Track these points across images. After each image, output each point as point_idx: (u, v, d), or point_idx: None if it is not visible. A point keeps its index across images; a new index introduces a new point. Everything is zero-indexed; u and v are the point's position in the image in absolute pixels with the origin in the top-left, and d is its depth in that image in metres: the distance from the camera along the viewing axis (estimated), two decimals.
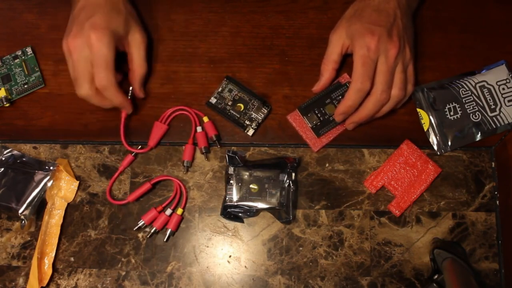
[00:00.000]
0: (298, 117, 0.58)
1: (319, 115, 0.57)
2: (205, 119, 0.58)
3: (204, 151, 0.57)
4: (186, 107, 0.59)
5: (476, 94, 0.58)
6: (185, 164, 0.57)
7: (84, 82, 0.52)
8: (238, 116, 0.58)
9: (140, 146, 0.58)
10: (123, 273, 0.56)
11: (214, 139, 0.57)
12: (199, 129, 0.58)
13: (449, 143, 0.58)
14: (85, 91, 0.52)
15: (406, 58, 0.54)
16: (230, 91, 0.59)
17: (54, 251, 0.55)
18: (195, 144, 0.58)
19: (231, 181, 0.56)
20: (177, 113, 0.59)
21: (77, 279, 0.56)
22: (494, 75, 0.58)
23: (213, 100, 0.59)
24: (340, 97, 0.57)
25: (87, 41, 0.51)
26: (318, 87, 0.57)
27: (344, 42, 0.55)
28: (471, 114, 0.58)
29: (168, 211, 0.56)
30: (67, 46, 0.52)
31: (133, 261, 0.56)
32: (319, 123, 0.57)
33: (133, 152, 0.57)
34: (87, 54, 0.51)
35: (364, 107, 0.53)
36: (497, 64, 0.59)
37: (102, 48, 0.51)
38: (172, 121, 0.59)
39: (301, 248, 0.56)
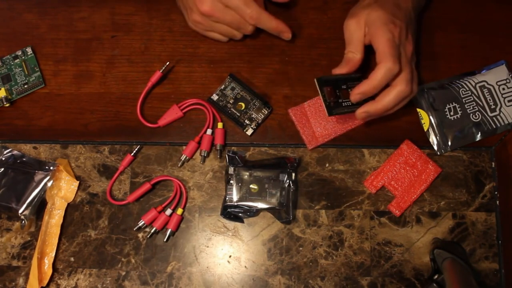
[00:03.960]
0: (299, 112, 0.58)
1: (334, 94, 0.53)
2: (220, 125, 0.58)
3: (203, 154, 0.57)
4: (208, 104, 0.59)
5: (476, 94, 0.58)
6: (182, 158, 0.57)
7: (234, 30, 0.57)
8: (239, 115, 0.58)
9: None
10: (123, 273, 0.56)
11: (218, 148, 0.57)
12: (209, 131, 0.58)
13: (449, 143, 0.58)
14: (241, 35, 0.58)
15: (415, 59, 0.54)
16: (232, 89, 0.59)
17: (54, 251, 0.55)
18: (199, 143, 0.58)
19: (231, 181, 0.56)
20: (196, 106, 0.59)
21: (77, 279, 0.56)
22: (494, 75, 0.58)
23: (214, 97, 0.59)
24: None
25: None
26: (341, 70, 0.54)
27: (364, 30, 0.53)
28: (471, 114, 0.58)
29: (168, 211, 0.56)
30: (204, 12, 0.55)
31: (133, 261, 0.56)
32: (332, 103, 0.53)
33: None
34: (222, 7, 0.54)
35: (384, 98, 0.51)
36: (497, 64, 0.59)
37: None
38: (187, 112, 0.59)
39: (301, 248, 0.56)
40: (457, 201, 0.57)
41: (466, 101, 0.58)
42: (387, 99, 0.51)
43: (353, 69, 0.54)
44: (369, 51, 0.53)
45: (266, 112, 0.58)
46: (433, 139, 0.58)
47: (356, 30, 0.53)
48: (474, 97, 0.58)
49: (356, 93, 0.51)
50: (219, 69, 0.60)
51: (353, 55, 0.53)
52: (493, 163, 0.58)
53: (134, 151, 0.58)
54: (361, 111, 0.52)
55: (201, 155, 0.58)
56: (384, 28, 0.50)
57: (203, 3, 0.54)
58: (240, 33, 0.58)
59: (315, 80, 0.52)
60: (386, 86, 0.51)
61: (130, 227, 0.57)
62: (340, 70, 0.54)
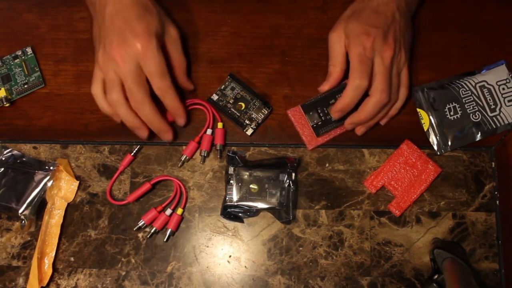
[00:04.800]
0: (298, 113, 0.58)
1: (321, 114, 0.57)
2: (219, 125, 0.58)
3: (203, 154, 0.57)
4: (208, 104, 0.58)
5: (476, 94, 0.58)
6: (182, 158, 0.57)
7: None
8: (239, 115, 0.58)
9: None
10: (123, 273, 0.56)
11: (218, 148, 0.57)
12: (209, 131, 0.58)
13: (449, 143, 0.58)
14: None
15: (401, 62, 0.54)
16: (232, 89, 0.59)
17: (54, 251, 0.55)
18: (199, 143, 0.58)
19: (231, 181, 0.56)
20: (196, 106, 0.59)
21: (77, 279, 0.56)
22: (494, 75, 0.58)
23: (214, 97, 0.59)
24: None
25: (135, 51, 0.49)
26: (325, 87, 0.56)
27: (344, 42, 0.54)
28: (471, 114, 0.58)
29: (168, 211, 0.56)
30: (112, 56, 0.49)
31: (133, 261, 0.56)
32: (320, 123, 0.57)
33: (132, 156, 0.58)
34: (135, 65, 0.49)
35: (364, 108, 0.53)
36: (497, 64, 0.59)
37: (154, 56, 0.49)
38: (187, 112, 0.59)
39: (301, 248, 0.56)
40: (457, 201, 0.57)
41: (466, 101, 0.58)
42: (366, 110, 0.53)
43: (336, 83, 0.56)
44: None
45: (266, 112, 0.58)
46: (433, 139, 0.58)
47: (336, 43, 0.55)
48: (474, 97, 0.58)
49: (334, 112, 0.54)
50: (219, 69, 0.60)
51: (334, 68, 0.55)
52: (493, 163, 0.58)
53: (134, 151, 0.58)
54: (348, 123, 0.56)
55: (201, 155, 0.58)
56: (356, 41, 0.52)
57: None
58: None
59: (300, 106, 0.57)
60: (366, 95, 0.53)
61: (130, 227, 0.57)
62: (324, 87, 0.56)
